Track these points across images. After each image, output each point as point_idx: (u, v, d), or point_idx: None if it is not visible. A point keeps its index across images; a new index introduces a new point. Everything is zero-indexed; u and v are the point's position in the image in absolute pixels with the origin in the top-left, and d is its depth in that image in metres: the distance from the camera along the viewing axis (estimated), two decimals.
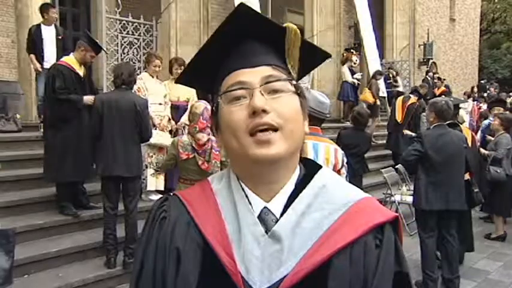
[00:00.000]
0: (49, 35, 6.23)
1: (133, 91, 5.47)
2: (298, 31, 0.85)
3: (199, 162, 3.66)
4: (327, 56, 0.95)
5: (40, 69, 6.13)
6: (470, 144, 5.00)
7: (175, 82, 0.95)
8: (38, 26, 6.22)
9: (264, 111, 0.78)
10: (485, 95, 15.23)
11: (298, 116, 0.84)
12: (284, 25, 0.85)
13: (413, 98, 8.96)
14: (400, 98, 9.08)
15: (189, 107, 4.36)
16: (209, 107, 3.77)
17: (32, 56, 6.18)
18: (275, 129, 0.79)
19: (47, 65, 6.12)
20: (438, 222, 4.29)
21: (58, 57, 6.14)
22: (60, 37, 6.31)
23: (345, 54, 10.86)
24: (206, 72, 0.91)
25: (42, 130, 6.06)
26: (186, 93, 5.82)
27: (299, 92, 0.85)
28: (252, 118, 0.79)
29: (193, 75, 0.94)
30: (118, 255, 4.23)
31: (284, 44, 0.84)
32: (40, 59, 6.15)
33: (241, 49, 0.85)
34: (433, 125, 4.36)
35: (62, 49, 6.27)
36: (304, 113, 0.86)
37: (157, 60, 5.50)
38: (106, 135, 4.15)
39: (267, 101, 0.79)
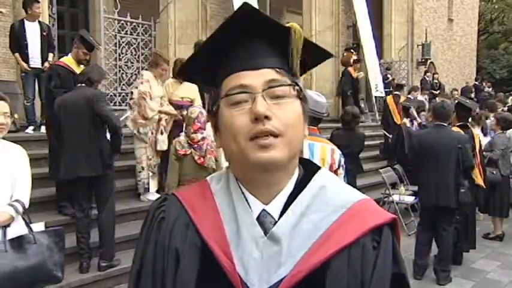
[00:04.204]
0: (33, 31, 5.99)
1: (136, 95, 5.43)
2: (302, 31, 0.83)
3: (196, 157, 3.90)
4: (328, 56, 0.93)
5: (29, 69, 5.97)
6: (478, 147, 5.14)
7: (176, 75, 0.94)
8: (21, 22, 5.98)
9: (267, 117, 0.77)
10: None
11: (299, 121, 0.83)
12: (287, 25, 0.83)
13: (402, 96, 8.97)
14: (389, 97, 9.05)
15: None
16: (204, 112, 3.96)
17: (17, 54, 5.97)
18: (276, 136, 0.78)
19: (34, 63, 6.00)
20: (434, 218, 4.60)
21: (43, 55, 6.05)
22: (44, 33, 6.07)
23: (345, 54, 10.86)
24: (207, 67, 0.88)
25: (31, 130, 6.03)
26: (190, 94, 5.77)
27: (301, 96, 0.84)
28: (254, 124, 0.78)
29: (193, 70, 0.92)
30: (92, 259, 4.12)
31: (288, 45, 0.82)
32: (25, 57, 5.94)
33: (243, 49, 0.83)
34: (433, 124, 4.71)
35: (47, 46, 6.12)
36: (305, 116, 0.85)
37: (165, 64, 5.36)
38: (65, 138, 4.06)
39: (269, 106, 0.78)
